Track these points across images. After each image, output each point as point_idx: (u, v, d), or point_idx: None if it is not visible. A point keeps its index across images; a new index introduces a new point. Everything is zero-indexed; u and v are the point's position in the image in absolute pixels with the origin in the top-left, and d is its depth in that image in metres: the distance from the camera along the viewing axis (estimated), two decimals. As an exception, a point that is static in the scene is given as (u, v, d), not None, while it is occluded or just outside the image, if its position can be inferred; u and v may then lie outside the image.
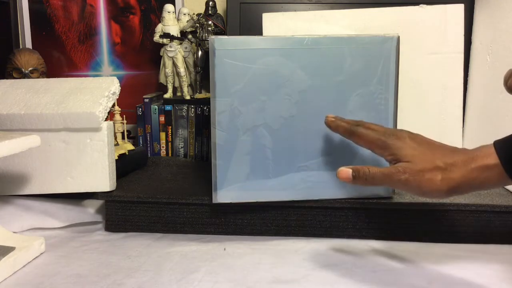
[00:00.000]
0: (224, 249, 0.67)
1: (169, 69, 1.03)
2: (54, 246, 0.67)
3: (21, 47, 1.11)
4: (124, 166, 0.82)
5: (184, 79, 1.03)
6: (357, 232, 0.70)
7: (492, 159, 0.48)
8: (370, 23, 0.87)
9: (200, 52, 1.03)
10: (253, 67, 0.65)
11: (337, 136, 0.67)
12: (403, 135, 0.54)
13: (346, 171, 0.54)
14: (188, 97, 1.03)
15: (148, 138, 1.01)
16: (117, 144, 0.85)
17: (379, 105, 0.67)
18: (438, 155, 0.50)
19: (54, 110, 0.70)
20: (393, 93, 0.68)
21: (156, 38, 1.01)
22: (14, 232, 0.69)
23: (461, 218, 0.69)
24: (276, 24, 0.89)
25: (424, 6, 0.86)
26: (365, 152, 0.68)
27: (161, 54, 1.03)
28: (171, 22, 1.00)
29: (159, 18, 1.03)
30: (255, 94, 0.65)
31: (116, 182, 0.74)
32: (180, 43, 1.02)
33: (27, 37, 1.11)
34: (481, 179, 0.48)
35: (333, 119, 0.61)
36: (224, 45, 0.64)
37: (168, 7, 1.00)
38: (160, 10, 1.02)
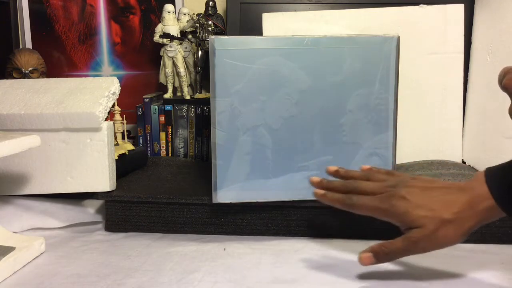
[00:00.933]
0: (224, 249, 0.67)
1: (169, 69, 1.03)
2: (54, 246, 0.67)
3: (21, 47, 1.11)
4: (124, 166, 0.82)
5: (184, 79, 1.03)
6: (357, 232, 0.70)
7: (491, 201, 0.48)
8: (370, 23, 0.87)
9: (200, 52, 1.03)
10: (253, 67, 0.65)
11: (337, 136, 0.67)
12: (401, 193, 0.51)
13: (367, 257, 0.53)
14: (188, 97, 1.03)
15: (148, 138, 1.01)
16: (117, 144, 0.85)
17: (379, 105, 0.67)
18: (442, 206, 0.49)
19: (54, 110, 0.70)
20: (393, 93, 0.68)
21: (156, 38, 1.01)
22: (14, 232, 0.69)
23: (461, 218, 0.69)
24: (276, 24, 0.89)
25: (424, 6, 0.86)
26: (364, 152, 0.68)
27: (161, 54, 1.03)
28: (171, 22, 1.00)
29: (159, 18, 1.03)
30: (255, 94, 0.65)
31: (116, 182, 0.74)
32: (180, 43, 1.02)
33: (27, 37, 1.11)
34: (489, 217, 0.49)
35: (323, 194, 0.57)
36: (224, 45, 0.64)
37: (168, 7, 1.00)
38: (160, 10, 1.02)
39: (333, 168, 0.60)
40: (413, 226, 0.50)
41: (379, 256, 0.53)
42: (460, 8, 0.87)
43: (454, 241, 0.50)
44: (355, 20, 0.87)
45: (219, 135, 0.66)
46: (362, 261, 0.53)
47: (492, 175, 0.49)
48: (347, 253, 0.66)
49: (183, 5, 1.07)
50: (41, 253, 0.65)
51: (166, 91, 1.04)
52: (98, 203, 0.81)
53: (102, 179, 0.72)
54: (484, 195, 0.48)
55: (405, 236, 0.51)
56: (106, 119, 0.72)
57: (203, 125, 0.99)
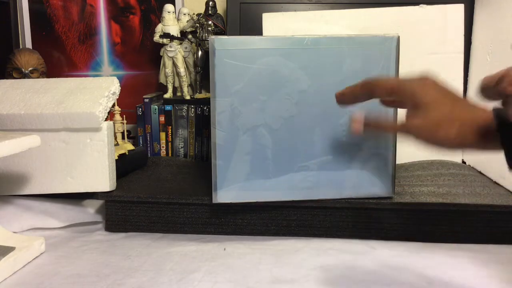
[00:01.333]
0: (224, 249, 0.67)
1: (169, 69, 1.03)
2: (54, 246, 0.67)
3: (21, 47, 1.11)
4: (124, 166, 0.82)
5: (184, 79, 1.03)
6: (357, 232, 0.70)
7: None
8: (370, 23, 0.87)
9: (200, 52, 1.03)
10: (253, 67, 0.65)
11: (337, 136, 0.67)
12: (426, 81, 0.47)
13: (356, 121, 0.50)
14: (188, 97, 1.03)
15: (148, 138, 1.01)
16: (117, 144, 0.85)
17: (379, 105, 0.67)
18: (460, 107, 0.46)
19: (54, 110, 0.70)
20: (393, 93, 0.67)
21: (156, 38, 1.01)
22: (14, 232, 0.69)
23: (461, 218, 0.69)
24: (276, 24, 0.89)
25: (424, 6, 0.86)
26: (365, 152, 0.68)
27: (161, 54, 1.03)
28: (171, 22, 1.00)
29: (159, 18, 1.03)
30: (255, 94, 0.65)
31: (116, 182, 0.74)
32: (180, 43, 1.02)
33: (27, 37, 1.11)
34: (488, 140, 0.44)
35: (341, 92, 0.53)
36: (224, 45, 0.64)
37: (168, 7, 1.00)
38: (160, 10, 1.02)
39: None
40: (420, 105, 0.46)
41: (368, 126, 0.50)
42: (460, 8, 0.87)
43: (448, 144, 0.45)
44: (355, 20, 0.87)
45: (219, 135, 0.66)
46: (351, 122, 0.51)
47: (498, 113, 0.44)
48: (347, 253, 0.66)
49: (183, 5, 1.07)
50: (41, 253, 0.65)
51: (166, 91, 1.04)
52: (98, 203, 0.81)
53: (102, 179, 0.72)
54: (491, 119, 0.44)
55: (404, 122, 0.48)
56: (106, 119, 0.72)
57: (203, 125, 0.99)
